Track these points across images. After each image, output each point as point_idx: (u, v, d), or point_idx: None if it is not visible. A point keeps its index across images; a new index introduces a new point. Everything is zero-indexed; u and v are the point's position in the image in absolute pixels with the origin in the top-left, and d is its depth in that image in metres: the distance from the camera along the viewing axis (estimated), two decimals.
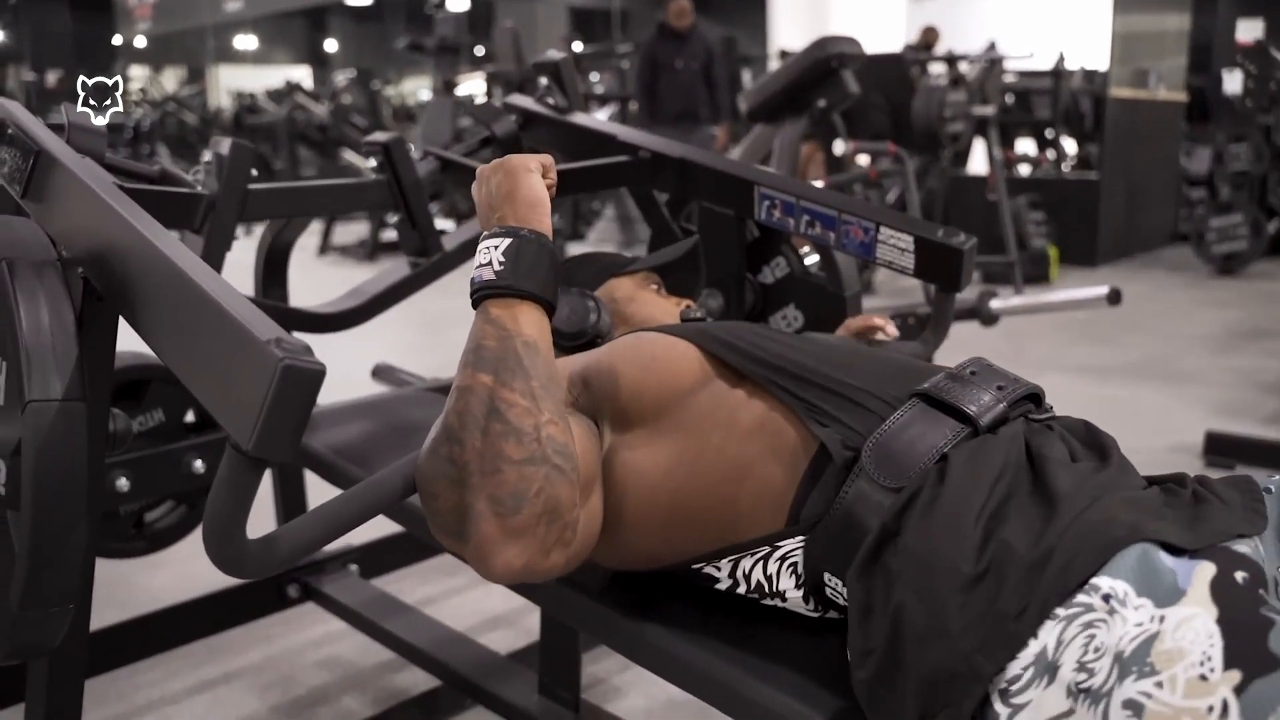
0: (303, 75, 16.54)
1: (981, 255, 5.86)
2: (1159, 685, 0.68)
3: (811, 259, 1.70)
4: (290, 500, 2.04)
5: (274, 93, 11.20)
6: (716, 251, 1.66)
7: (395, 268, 1.87)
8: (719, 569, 0.96)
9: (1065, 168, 7.61)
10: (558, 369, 0.92)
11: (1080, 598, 0.74)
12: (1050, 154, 7.85)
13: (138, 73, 17.97)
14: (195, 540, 2.00)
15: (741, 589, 0.96)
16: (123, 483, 1.67)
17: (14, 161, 1.13)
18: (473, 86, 9.56)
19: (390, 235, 7.98)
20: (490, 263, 0.91)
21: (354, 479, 1.43)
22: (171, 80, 17.59)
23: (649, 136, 1.74)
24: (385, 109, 12.28)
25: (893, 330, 1.36)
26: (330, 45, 20.23)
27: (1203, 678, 0.67)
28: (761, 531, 0.92)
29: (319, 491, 2.00)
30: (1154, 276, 6.45)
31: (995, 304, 2.93)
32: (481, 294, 0.91)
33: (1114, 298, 2.67)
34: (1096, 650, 0.71)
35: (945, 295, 1.45)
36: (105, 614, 2.00)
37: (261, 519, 2.06)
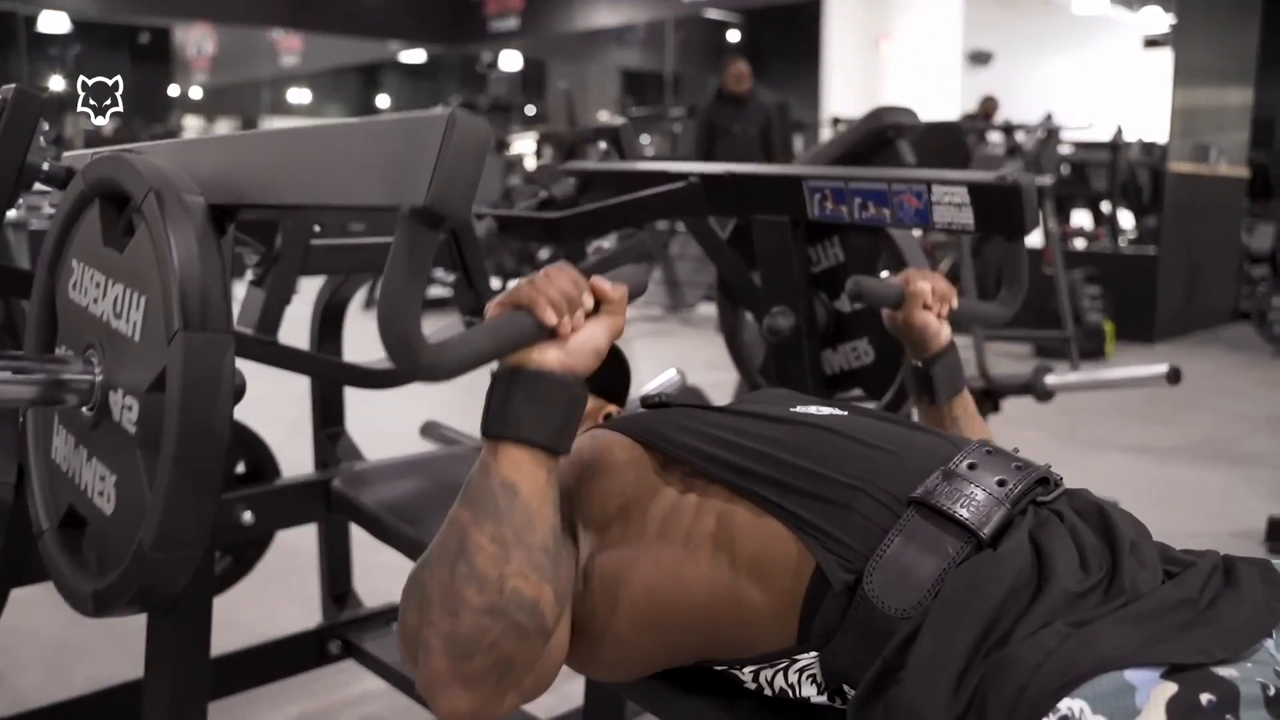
0: None
1: (1036, 330, 5.78)
2: None
3: None
4: (335, 557, 2.04)
5: None
6: (775, 265, 1.61)
7: (450, 325, 1.87)
8: (742, 675, 0.93)
9: (1122, 242, 7.53)
10: (549, 515, 0.86)
11: None
12: (1106, 228, 7.78)
13: (192, 123, 18.47)
14: (233, 593, 2.00)
15: (767, 692, 0.93)
16: None
17: None
18: (523, 146, 9.70)
19: (435, 292, 8.07)
20: (486, 402, 0.88)
21: (403, 536, 1.42)
22: (224, 131, 18.07)
23: (697, 164, 1.71)
24: None
25: (954, 301, 1.25)
26: (382, 100, 20.70)
27: None
28: (771, 647, 0.89)
29: (364, 550, 2.01)
30: (1214, 355, 6.33)
31: (1051, 380, 2.88)
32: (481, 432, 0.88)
33: (1174, 377, 2.61)
34: None
35: (1014, 245, 1.38)
36: (141, 665, 1.99)
37: (305, 574, 2.05)
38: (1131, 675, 0.71)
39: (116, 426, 0.99)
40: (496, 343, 0.83)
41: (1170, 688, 0.70)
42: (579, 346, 0.87)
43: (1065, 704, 0.71)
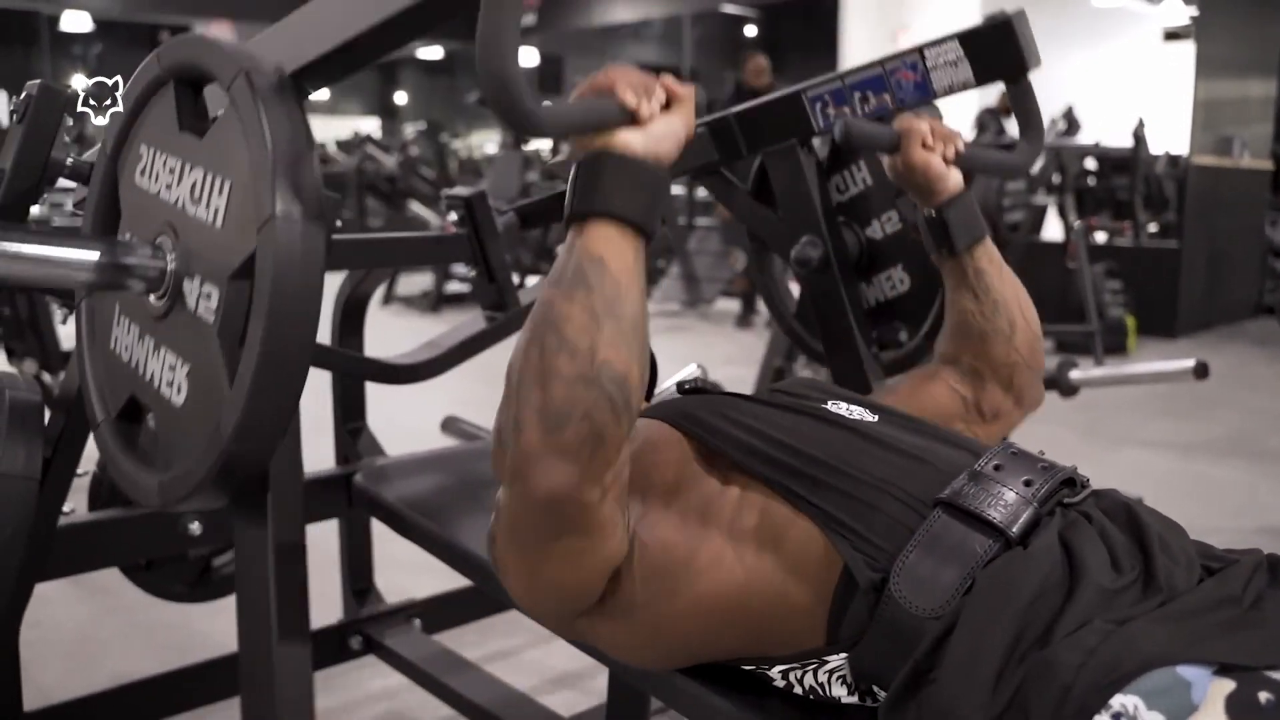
0: (371, 126, 16.93)
1: (1058, 324, 5.74)
2: None
3: None
4: (356, 553, 2.04)
5: (344, 143, 11.45)
6: (794, 194, 1.55)
7: (471, 321, 1.87)
8: (770, 674, 0.93)
9: (1144, 237, 7.47)
10: (637, 294, 0.84)
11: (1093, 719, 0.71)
12: (1130, 221, 7.72)
13: None
14: None
15: (797, 690, 0.92)
16: (194, 527, 1.67)
17: None
18: (540, 142, 9.70)
19: (454, 288, 8.06)
20: (570, 187, 0.87)
21: (425, 531, 1.42)
22: None
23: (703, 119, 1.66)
24: (452, 162, 12.45)
25: (960, 143, 1.18)
26: (400, 98, 20.73)
27: None
28: (801, 646, 0.89)
29: (384, 543, 2.00)
30: (1237, 350, 6.27)
31: (1075, 374, 2.85)
32: (566, 220, 0.87)
33: (1201, 371, 2.58)
34: None
35: (1020, 87, 1.32)
36: (166, 658, 2.00)
37: (327, 570, 2.06)
38: (1184, 671, 0.70)
39: (192, 315, 0.98)
40: (585, 116, 0.84)
41: (1228, 684, 0.69)
42: (660, 133, 0.86)
43: (1118, 700, 0.70)
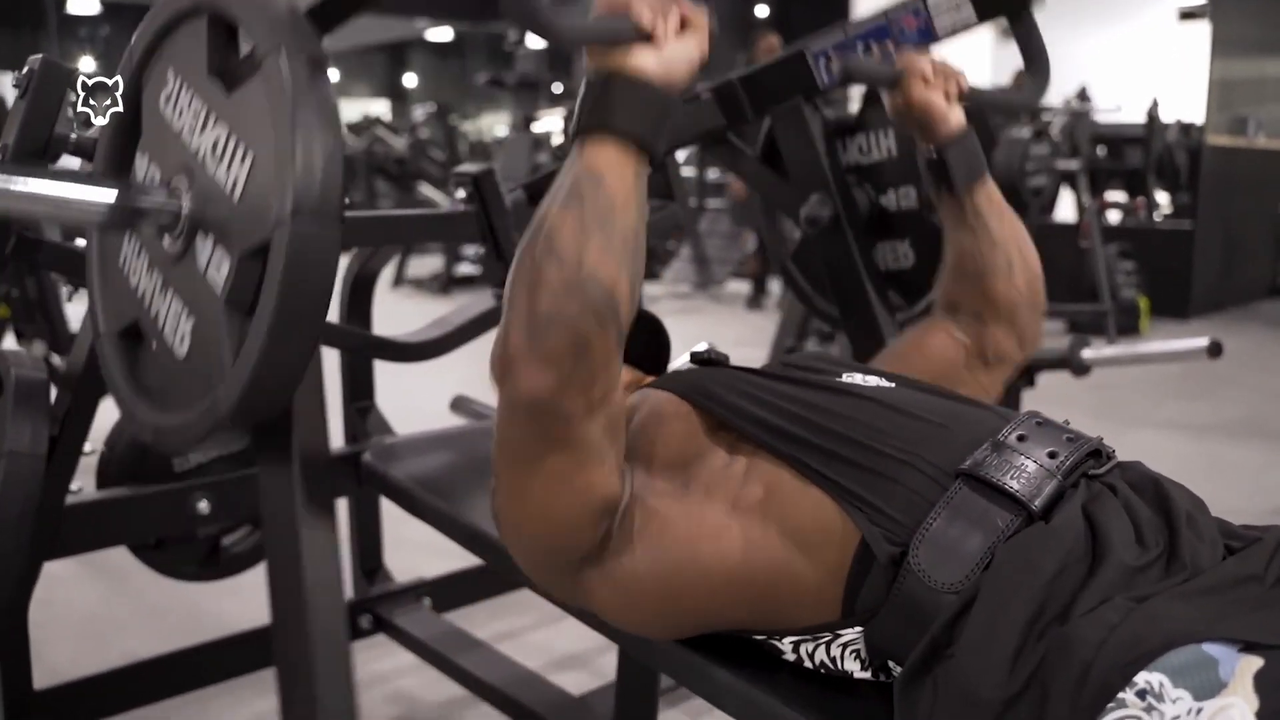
0: (381, 109, 16.90)
1: (1071, 304, 5.71)
2: None
3: None
4: (365, 532, 2.03)
5: (352, 125, 11.41)
6: (802, 152, 1.54)
7: (479, 300, 1.86)
8: (781, 645, 0.92)
9: (1158, 217, 7.42)
10: (633, 211, 0.84)
11: (1116, 696, 0.69)
12: (1142, 200, 7.66)
13: None
14: (263, 567, 2.01)
15: (808, 665, 0.91)
16: (203, 505, 1.67)
17: None
18: (551, 123, 9.66)
19: (464, 270, 8.05)
20: (579, 105, 0.87)
21: (435, 510, 1.41)
22: None
23: (703, 83, 1.65)
24: (462, 144, 12.41)
25: (963, 81, 1.19)
26: (410, 80, 20.70)
27: None
28: (814, 620, 0.87)
29: (394, 523, 2.00)
30: (1251, 331, 6.23)
31: (1087, 354, 2.82)
32: (570, 137, 0.88)
33: (1214, 350, 2.55)
34: None
35: (1024, 22, 1.32)
36: (174, 639, 2.00)
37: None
38: (1210, 648, 0.68)
39: (203, 277, 0.96)
40: (601, 29, 0.85)
41: (1256, 661, 0.67)
42: (674, 55, 0.86)
43: (1143, 678, 0.68)
